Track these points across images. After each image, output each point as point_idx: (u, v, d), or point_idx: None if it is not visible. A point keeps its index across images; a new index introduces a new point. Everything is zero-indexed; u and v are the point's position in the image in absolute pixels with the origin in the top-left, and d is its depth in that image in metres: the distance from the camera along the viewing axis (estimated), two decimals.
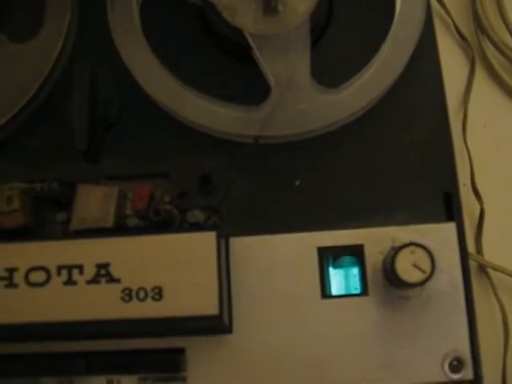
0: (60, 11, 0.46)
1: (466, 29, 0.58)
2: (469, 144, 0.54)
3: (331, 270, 0.41)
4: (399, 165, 0.43)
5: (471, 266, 0.51)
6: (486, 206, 0.53)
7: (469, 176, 0.53)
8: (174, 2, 0.47)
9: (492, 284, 0.52)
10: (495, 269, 0.52)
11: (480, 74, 0.57)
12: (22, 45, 0.45)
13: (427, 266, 0.37)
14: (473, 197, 0.53)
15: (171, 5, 0.48)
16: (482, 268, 0.53)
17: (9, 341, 0.39)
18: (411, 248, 0.37)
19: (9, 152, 0.45)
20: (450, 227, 0.41)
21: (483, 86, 0.57)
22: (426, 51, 0.45)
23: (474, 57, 0.57)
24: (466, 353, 0.39)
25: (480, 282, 0.53)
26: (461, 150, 0.54)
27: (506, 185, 0.55)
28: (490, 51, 0.57)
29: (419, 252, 0.37)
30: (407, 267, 0.37)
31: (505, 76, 0.57)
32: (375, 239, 0.40)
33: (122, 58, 0.44)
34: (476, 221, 0.53)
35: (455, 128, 0.54)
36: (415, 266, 0.37)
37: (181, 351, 0.39)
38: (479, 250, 0.53)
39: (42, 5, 0.47)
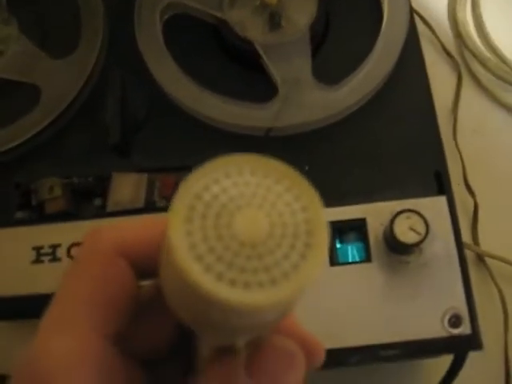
0: (94, 29, 0.49)
1: (452, 47, 0.63)
2: (460, 147, 0.58)
3: (338, 241, 0.43)
4: (396, 150, 0.46)
5: (469, 256, 0.54)
6: (479, 201, 0.56)
7: (461, 175, 0.56)
8: (193, 19, 0.51)
9: (490, 272, 0.54)
10: (492, 257, 0.54)
11: (467, 85, 0.61)
12: (61, 60, 0.49)
13: (422, 229, 0.40)
14: (467, 194, 0.56)
15: (191, 22, 0.51)
16: (480, 258, 0.55)
17: None
18: (407, 214, 0.40)
19: (49, 151, 0.47)
20: (442, 200, 0.43)
21: (471, 96, 0.61)
22: (411, 52, 0.48)
23: (460, 71, 0.61)
24: (463, 310, 0.41)
25: (478, 271, 0.55)
26: (453, 154, 0.57)
27: (496, 181, 0.58)
28: (475, 66, 0.62)
29: (414, 217, 0.40)
30: (404, 230, 0.40)
31: (489, 86, 0.61)
32: (376, 212, 0.43)
33: (148, 68, 0.48)
34: (471, 215, 0.56)
35: (447, 133, 0.58)
36: (411, 229, 0.40)
37: None
38: (476, 241, 0.55)
39: (78, 23, 0.50)
